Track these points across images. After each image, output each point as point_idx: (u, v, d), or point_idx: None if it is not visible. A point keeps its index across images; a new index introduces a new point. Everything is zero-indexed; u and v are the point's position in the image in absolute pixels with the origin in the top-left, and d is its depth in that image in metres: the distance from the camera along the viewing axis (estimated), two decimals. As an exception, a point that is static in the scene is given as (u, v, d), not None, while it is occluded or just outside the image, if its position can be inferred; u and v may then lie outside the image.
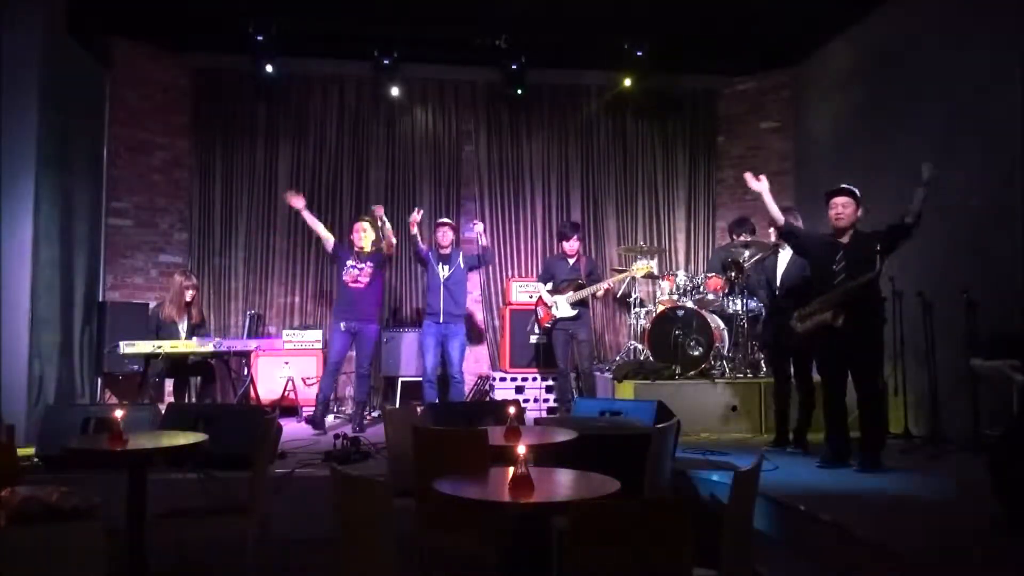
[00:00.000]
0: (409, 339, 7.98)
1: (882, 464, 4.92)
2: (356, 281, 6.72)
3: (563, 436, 3.72)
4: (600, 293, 7.27)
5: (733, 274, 6.44)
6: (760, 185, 5.32)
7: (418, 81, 8.71)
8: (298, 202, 6.86)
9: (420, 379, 7.32)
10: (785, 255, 5.83)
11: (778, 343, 5.82)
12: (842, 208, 5.02)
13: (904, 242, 4.89)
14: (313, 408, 6.92)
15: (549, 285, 7.27)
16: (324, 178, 8.60)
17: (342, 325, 6.72)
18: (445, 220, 7.26)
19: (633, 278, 7.48)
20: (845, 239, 5.03)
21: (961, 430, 5.55)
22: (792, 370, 5.87)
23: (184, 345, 6.41)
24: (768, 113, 8.81)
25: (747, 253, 6.50)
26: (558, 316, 7.13)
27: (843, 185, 5.09)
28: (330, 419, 7.08)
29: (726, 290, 6.98)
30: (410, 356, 7.92)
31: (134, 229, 8.06)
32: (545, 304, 7.26)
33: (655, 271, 7.46)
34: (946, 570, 3.25)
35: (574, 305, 7.10)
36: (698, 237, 9.03)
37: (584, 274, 7.16)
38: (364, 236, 6.80)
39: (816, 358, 5.41)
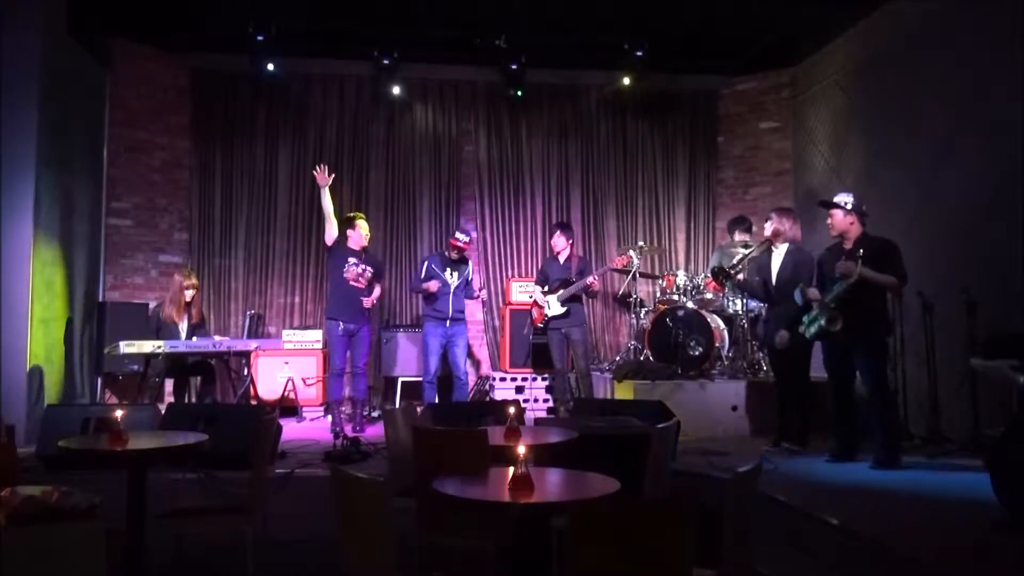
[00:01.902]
0: (408, 339, 7.99)
1: (899, 462, 5.02)
2: (357, 280, 6.69)
3: (563, 436, 3.72)
4: (589, 281, 7.19)
5: (723, 278, 6.40)
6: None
7: (418, 81, 8.70)
8: (323, 180, 6.78)
9: (420, 379, 7.35)
10: (779, 254, 5.85)
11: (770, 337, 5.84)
12: (830, 219, 5.26)
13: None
14: (330, 413, 6.96)
15: (545, 287, 7.30)
16: (324, 178, 8.59)
17: (340, 327, 6.68)
18: (463, 238, 7.15)
19: (630, 274, 7.48)
20: (848, 244, 5.18)
21: (961, 430, 5.55)
22: (790, 369, 5.90)
23: (184, 345, 6.41)
24: (768, 113, 8.81)
25: (736, 257, 6.37)
26: (550, 315, 7.15)
27: (830, 199, 5.30)
28: (329, 419, 7.09)
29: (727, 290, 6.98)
30: (410, 356, 7.93)
31: (134, 229, 8.06)
32: (538, 305, 7.28)
33: (635, 259, 7.46)
34: (946, 570, 3.25)
35: (564, 302, 7.10)
36: (698, 237, 9.02)
37: (575, 272, 7.18)
38: (367, 236, 6.81)
39: (823, 357, 5.43)
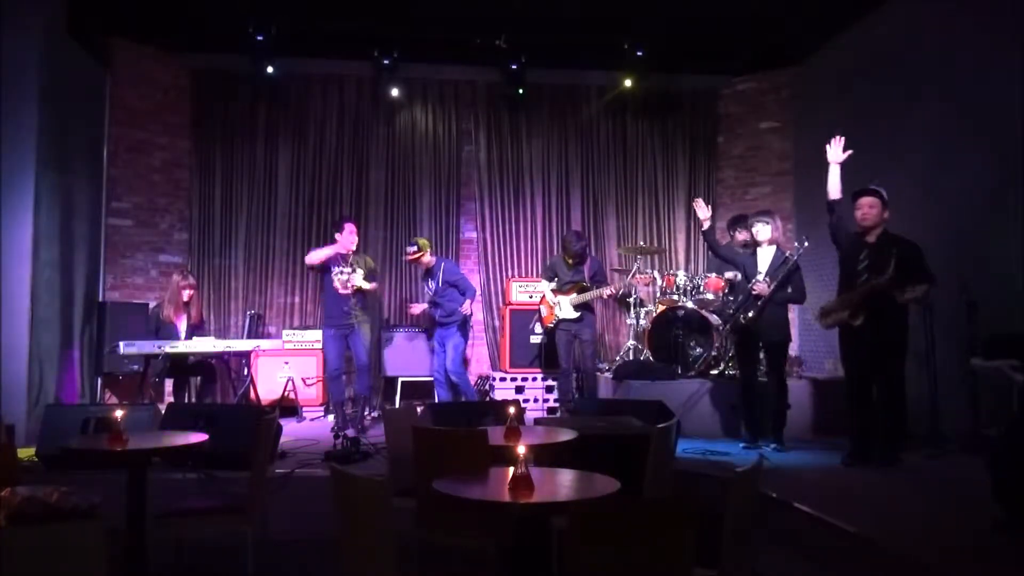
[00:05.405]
0: (408, 339, 8.01)
1: (899, 458, 5.03)
2: (346, 287, 6.67)
3: (563, 436, 3.72)
4: (606, 295, 7.23)
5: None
6: (840, 156, 5.32)
7: (418, 81, 8.71)
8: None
9: (420, 379, 7.70)
10: (765, 255, 5.82)
11: (747, 332, 5.81)
12: (868, 208, 5.09)
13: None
14: (330, 414, 7.12)
15: (553, 284, 7.24)
16: (324, 178, 8.61)
17: (333, 331, 6.72)
18: (408, 250, 7.12)
19: (630, 275, 7.48)
20: (871, 238, 5.11)
21: (961, 430, 5.55)
22: (765, 363, 5.94)
23: (184, 345, 6.41)
24: (768, 113, 8.81)
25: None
26: (561, 317, 7.11)
27: (871, 186, 5.16)
28: (330, 418, 7.09)
29: (726, 290, 6.97)
30: (409, 356, 7.96)
31: (134, 229, 8.06)
32: (548, 304, 7.24)
33: (657, 279, 7.49)
34: (946, 570, 3.25)
35: (577, 307, 7.08)
36: (698, 237, 8.98)
37: (588, 276, 7.14)
38: (354, 241, 6.81)
39: (840, 353, 5.38)
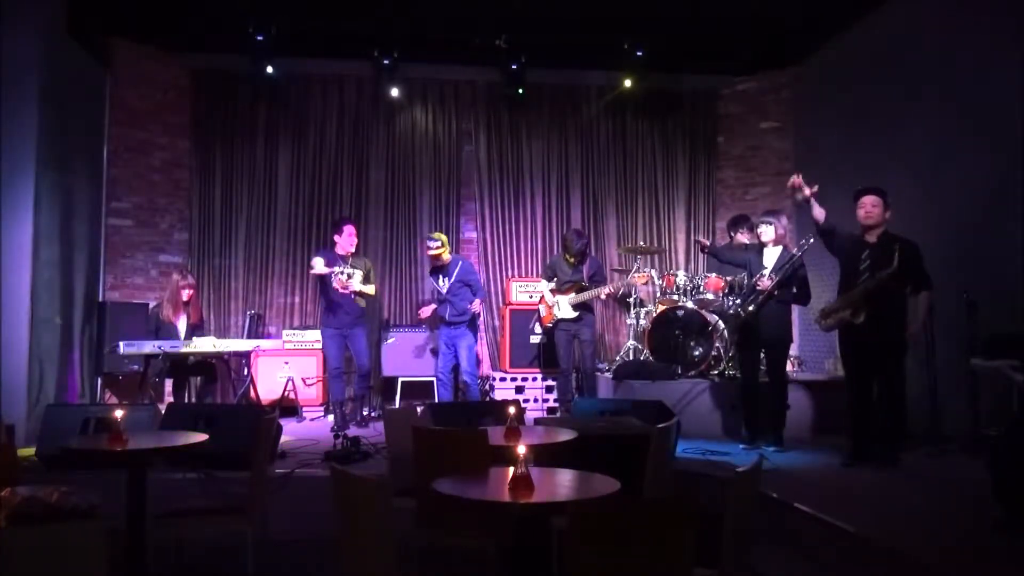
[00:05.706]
0: (408, 339, 8.01)
1: (898, 459, 5.01)
2: (346, 287, 6.68)
3: (563, 436, 3.72)
4: (603, 295, 7.25)
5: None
6: (807, 192, 5.28)
7: (418, 81, 8.71)
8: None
9: (420, 379, 7.60)
10: (772, 254, 5.81)
11: (748, 330, 5.79)
12: (871, 207, 5.09)
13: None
14: (330, 414, 7.09)
15: (552, 283, 7.25)
16: (324, 178, 8.61)
17: (331, 331, 6.73)
18: (428, 242, 7.04)
19: (629, 275, 7.49)
20: (872, 238, 5.11)
21: (961, 430, 5.55)
22: (764, 363, 5.92)
23: (184, 345, 6.41)
24: (768, 113, 8.81)
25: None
26: (559, 317, 7.12)
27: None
28: (330, 418, 7.10)
29: (726, 290, 6.98)
30: (409, 356, 7.95)
31: (134, 229, 8.06)
32: (547, 304, 7.26)
33: (656, 279, 7.50)
34: (946, 570, 3.25)
35: (576, 307, 7.09)
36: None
37: (587, 276, 7.15)
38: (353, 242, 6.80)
39: (840, 353, 5.38)
